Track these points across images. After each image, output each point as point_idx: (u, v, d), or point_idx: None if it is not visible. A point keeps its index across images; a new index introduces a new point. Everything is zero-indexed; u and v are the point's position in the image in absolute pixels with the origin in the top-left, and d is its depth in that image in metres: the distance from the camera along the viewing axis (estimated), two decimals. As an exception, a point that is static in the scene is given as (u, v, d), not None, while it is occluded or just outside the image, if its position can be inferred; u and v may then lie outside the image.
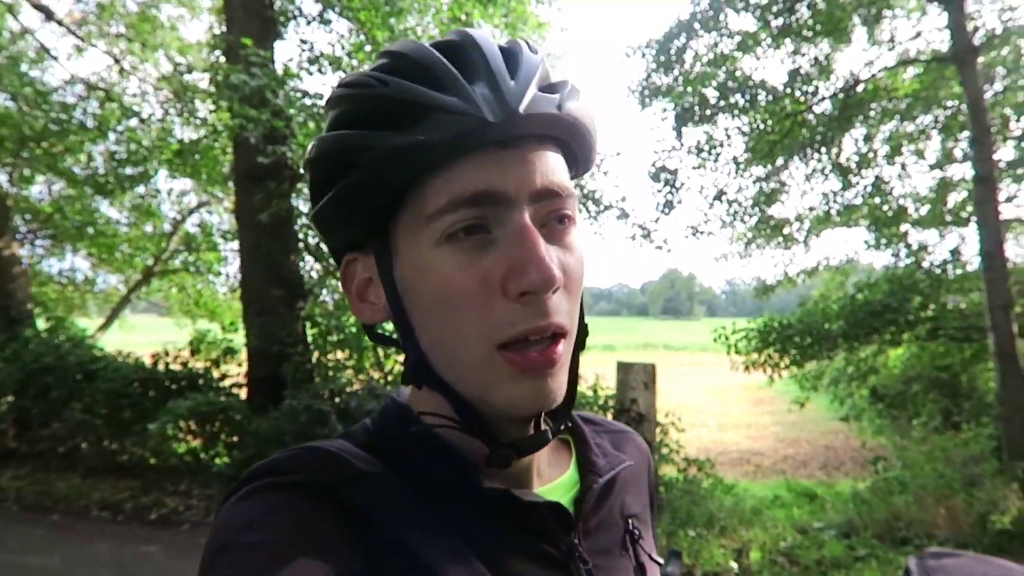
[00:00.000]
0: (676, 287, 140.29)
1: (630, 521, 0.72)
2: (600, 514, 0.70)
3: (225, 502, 0.57)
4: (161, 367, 7.95)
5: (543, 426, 0.66)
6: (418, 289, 0.60)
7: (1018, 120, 8.76)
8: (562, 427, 0.68)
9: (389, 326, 0.67)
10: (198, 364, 8.12)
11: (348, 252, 0.66)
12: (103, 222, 11.73)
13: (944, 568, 1.68)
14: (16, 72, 9.44)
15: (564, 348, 0.60)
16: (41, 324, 9.25)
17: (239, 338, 8.24)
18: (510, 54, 0.61)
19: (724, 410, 17.41)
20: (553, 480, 0.70)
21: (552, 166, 0.60)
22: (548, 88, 0.61)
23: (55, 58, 10.58)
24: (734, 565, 5.09)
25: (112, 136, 10.56)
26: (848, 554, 5.06)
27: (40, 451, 7.68)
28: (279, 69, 7.59)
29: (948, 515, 5.44)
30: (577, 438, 0.75)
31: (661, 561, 0.72)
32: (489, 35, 0.62)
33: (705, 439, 13.25)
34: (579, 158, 0.65)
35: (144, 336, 12.68)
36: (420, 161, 0.57)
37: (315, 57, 7.83)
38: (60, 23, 10.86)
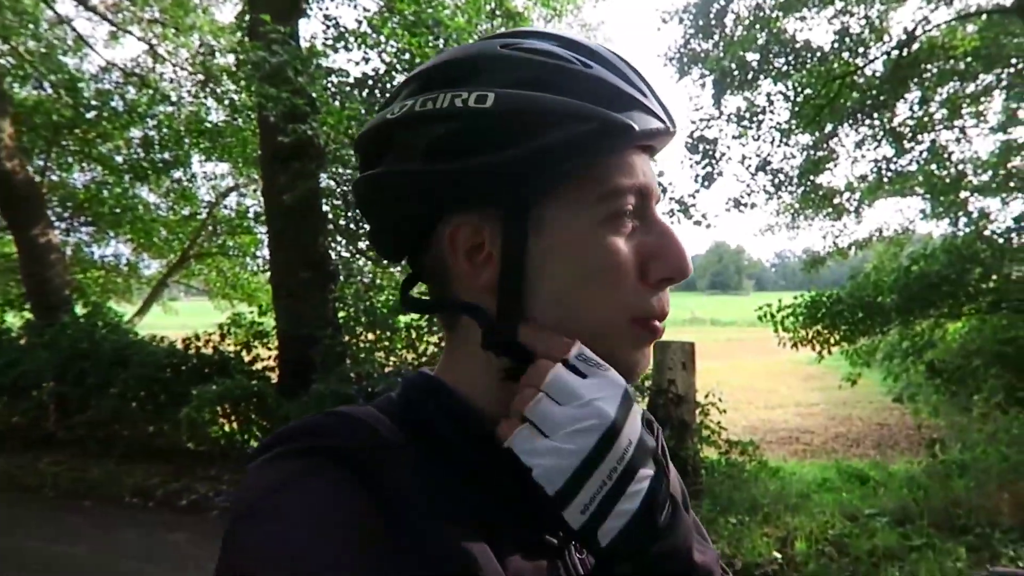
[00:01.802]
0: (723, 261, 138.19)
1: None
2: None
3: (251, 465, 0.57)
4: (192, 351, 7.92)
5: None
6: (565, 259, 0.61)
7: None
8: None
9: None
10: (229, 348, 8.08)
11: (452, 214, 0.63)
12: (141, 207, 11.80)
13: None
14: (53, 60, 9.49)
15: None
16: (79, 310, 9.33)
17: (271, 321, 8.18)
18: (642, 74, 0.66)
19: (772, 387, 16.94)
20: None
21: None
22: None
23: (91, 46, 10.61)
24: (778, 555, 4.81)
25: (148, 122, 10.60)
26: (902, 544, 4.72)
27: (79, 436, 7.74)
28: (303, 47, 7.44)
29: (1013, 501, 5.05)
30: None
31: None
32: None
33: (752, 417, 12.88)
34: None
35: (194, 319, 12.78)
36: (614, 142, 0.60)
37: (340, 34, 7.65)
38: (95, 11, 10.91)
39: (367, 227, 0.72)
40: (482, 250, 0.63)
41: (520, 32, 0.65)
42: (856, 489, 6.59)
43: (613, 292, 0.61)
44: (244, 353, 8.07)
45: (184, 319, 15.36)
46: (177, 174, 11.75)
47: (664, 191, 7.96)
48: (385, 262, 8.85)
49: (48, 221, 9.75)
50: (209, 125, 9.95)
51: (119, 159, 11.12)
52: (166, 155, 10.91)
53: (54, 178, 11.18)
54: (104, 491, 6.54)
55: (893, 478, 6.58)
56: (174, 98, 10.19)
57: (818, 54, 8.62)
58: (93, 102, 9.77)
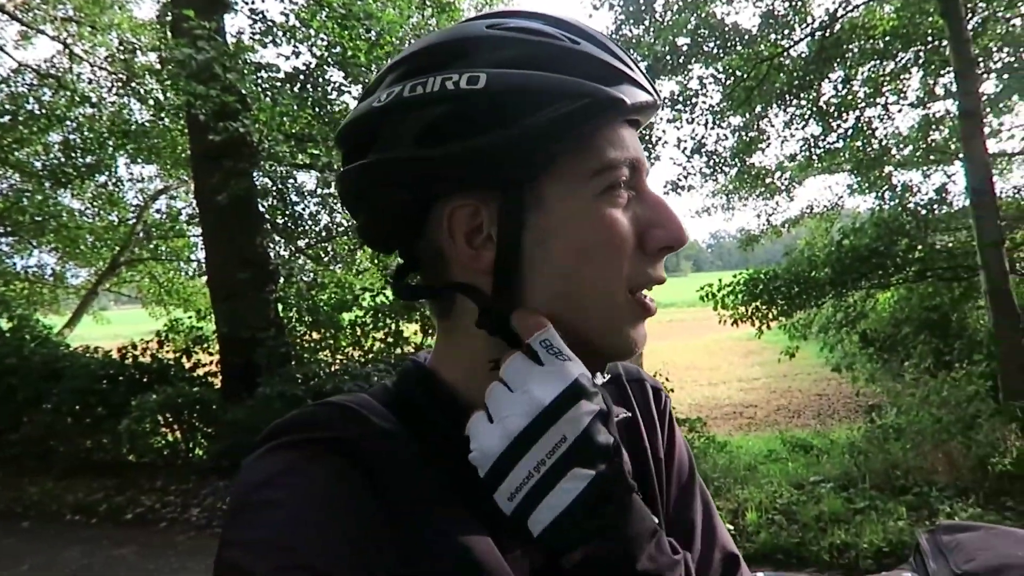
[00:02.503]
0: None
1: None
2: None
3: (246, 460, 0.57)
4: (129, 360, 7.65)
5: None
6: (565, 236, 0.60)
7: (1000, 51, 8.52)
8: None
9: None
10: (168, 355, 7.83)
11: (446, 198, 0.62)
12: (65, 214, 11.30)
13: (959, 544, 1.42)
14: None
15: None
16: (3, 324, 8.91)
17: (211, 325, 7.96)
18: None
19: (715, 364, 17.34)
20: None
21: None
22: None
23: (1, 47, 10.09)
24: (730, 527, 4.93)
25: (67, 125, 10.15)
26: (847, 507, 4.90)
27: (12, 455, 7.40)
28: (230, 42, 7.22)
29: (947, 460, 5.28)
30: None
31: (655, 520, 0.64)
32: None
33: (697, 395, 13.17)
34: None
35: (127, 328, 12.33)
36: (606, 116, 0.60)
37: (268, 28, 7.46)
38: (2, 9, 10.37)
39: (355, 221, 0.70)
40: (481, 232, 0.62)
41: (504, 12, 0.64)
42: (801, 458, 6.80)
43: (614, 264, 0.61)
44: (184, 360, 7.83)
45: (117, 328, 14.84)
46: (102, 178, 11.30)
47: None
48: (326, 260, 8.75)
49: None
50: (134, 126, 9.57)
51: (38, 165, 10.62)
52: (89, 159, 10.46)
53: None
54: (43, 510, 6.27)
55: (835, 445, 6.81)
56: (94, 99, 9.76)
57: (746, 37, 8.79)
58: (7, 105, 9.28)
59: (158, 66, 7.99)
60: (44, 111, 9.72)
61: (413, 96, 0.59)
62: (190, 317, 8.91)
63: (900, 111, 9.88)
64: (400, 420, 0.62)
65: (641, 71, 0.64)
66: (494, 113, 0.58)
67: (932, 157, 9.41)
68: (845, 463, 5.91)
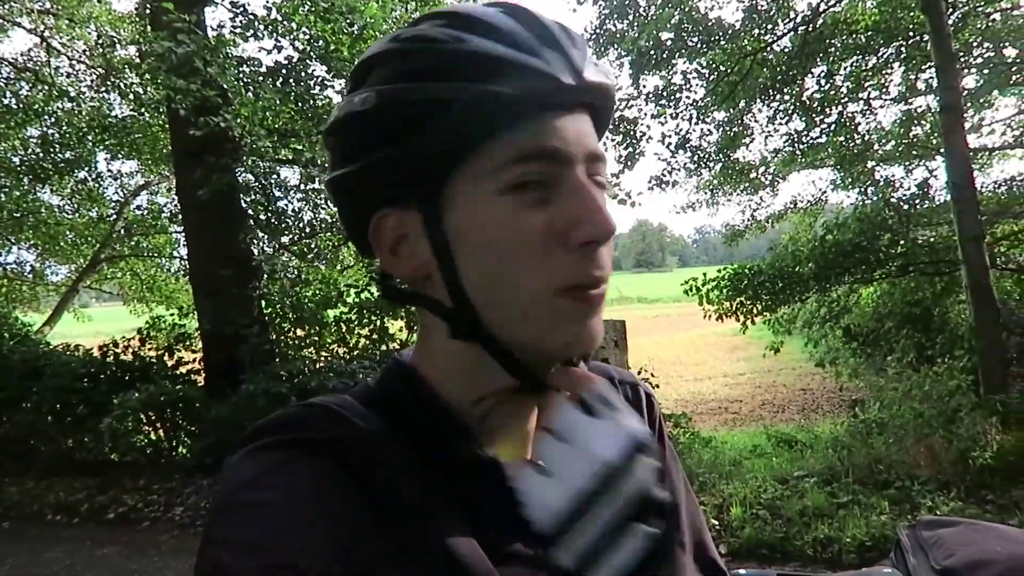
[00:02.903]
0: (647, 239, 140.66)
1: None
2: None
3: (229, 459, 0.57)
4: (111, 358, 7.57)
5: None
6: (476, 239, 0.60)
7: (980, 46, 8.58)
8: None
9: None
10: (150, 353, 7.76)
11: (379, 209, 0.64)
12: (44, 210, 11.15)
13: (939, 539, 1.42)
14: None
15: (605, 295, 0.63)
16: (-19, 322, 8.78)
17: (194, 322, 7.89)
18: (565, 27, 0.63)
19: (700, 359, 17.42)
20: None
21: (594, 132, 0.64)
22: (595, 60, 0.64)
23: (-27, 39, 9.91)
24: (715, 522, 4.95)
25: (46, 119, 10.01)
26: (830, 502, 4.93)
27: (-8, 456, 7.31)
28: (211, 36, 7.14)
29: (928, 454, 5.33)
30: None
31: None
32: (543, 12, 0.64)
33: (682, 390, 13.22)
34: (601, 127, 0.68)
35: (109, 326, 12.20)
36: (500, 113, 0.58)
37: (250, 21, 7.38)
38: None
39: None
40: (407, 240, 0.64)
41: (417, 19, 0.65)
42: (785, 453, 6.84)
43: (530, 264, 0.59)
44: (167, 357, 7.76)
45: (98, 326, 14.67)
46: (81, 174, 11.15)
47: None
48: (310, 256, 8.69)
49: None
50: (113, 121, 9.44)
51: (15, 160, 10.47)
52: (68, 154, 10.33)
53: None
54: (24, 510, 6.20)
55: (819, 440, 6.86)
56: (73, 93, 9.62)
57: (729, 32, 8.81)
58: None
59: (137, 60, 7.88)
60: (21, 105, 9.56)
61: (332, 120, 0.64)
62: (172, 314, 8.83)
63: (882, 106, 9.95)
64: (383, 420, 0.62)
65: (563, 51, 0.61)
66: (386, 130, 0.60)
67: (914, 152, 9.49)
68: (829, 458, 5.95)
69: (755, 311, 9.26)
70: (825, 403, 11.10)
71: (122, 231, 12.21)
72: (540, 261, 0.59)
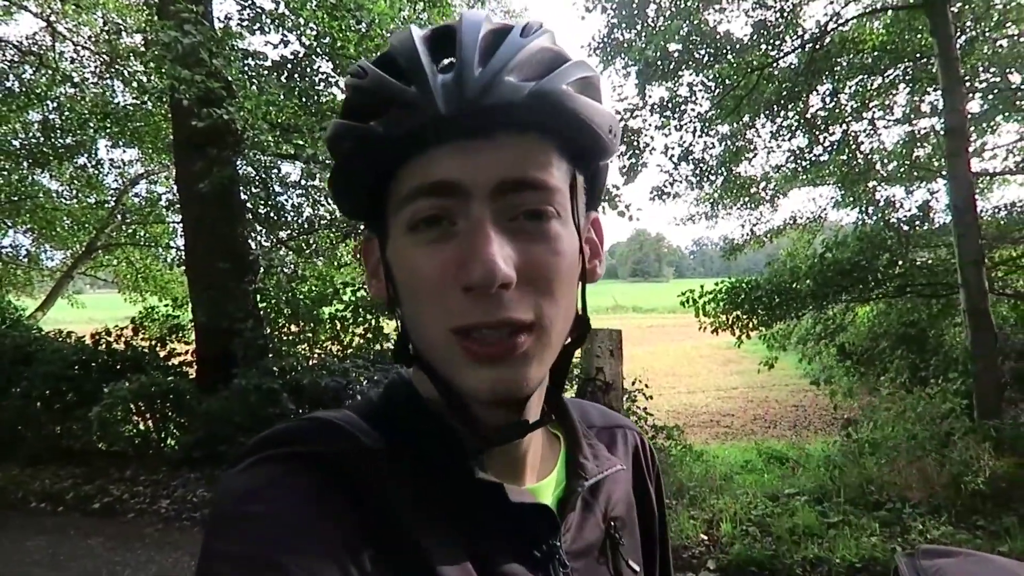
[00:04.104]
0: (644, 249, 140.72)
1: (612, 524, 0.72)
2: (583, 518, 0.70)
3: (229, 471, 0.57)
4: (103, 347, 7.52)
5: (527, 415, 0.65)
6: (398, 273, 0.61)
7: (986, 71, 8.60)
8: (545, 420, 0.67)
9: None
10: (143, 343, 7.71)
11: (366, 231, 0.67)
12: (42, 195, 11.09)
13: (939, 570, 1.39)
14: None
15: (531, 340, 0.58)
16: (-26, 305, 8.74)
17: (188, 314, 7.85)
18: (493, 38, 0.59)
19: (693, 371, 17.41)
20: (545, 476, 0.70)
21: (527, 158, 0.58)
22: (536, 72, 0.58)
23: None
24: (704, 537, 4.93)
25: (48, 104, 9.97)
26: (821, 521, 4.92)
27: (-22, 440, 7.24)
28: (218, 28, 7.12)
29: (921, 477, 5.31)
30: (569, 437, 0.74)
31: (637, 568, 0.72)
32: (485, 18, 0.61)
33: (675, 402, 13.19)
34: (584, 147, 0.63)
35: (102, 313, 12.14)
36: (386, 152, 0.58)
37: (257, 15, 7.36)
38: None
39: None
40: (380, 264, 0.66)
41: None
42: (776, 470, 6.83)
43: (428, 301, 0.58)
44: (159, 348, 7.71)
45: (92, 313, 14.61)
46: (81, 160, 11.10)
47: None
48: (307, 252, 8.65)
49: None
50: (116, 108, 9.40)
51: (16, 143, 10.41)
52: (69, 140, 10.28)
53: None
54: (8, 497, 6.15)
55: (810, 458, 6.85)
56: (77, 79, 9.58)
57: (737, 46, 8.81)
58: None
59: (143, 48, 7.85)
60: (24, 89, 9.52)
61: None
62: (167, 305, 8.79)
63: (886, 126, 9.96)
64: (386, 437, 0.61)
65: (443, 74, 0.56)
66: (337, 161, 0.63)
67: (916, 173, 9.49)
68: (820, 476, 5.94)
69: (751, 325, 9.25)
70: (817, 420, 11.09)
71: (119, 219, 12.15)
72: (437, 301, 0.58)
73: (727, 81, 8.79)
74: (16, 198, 10.76)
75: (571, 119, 0.59)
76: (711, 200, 11.10)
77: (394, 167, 0.59)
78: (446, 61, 0.58)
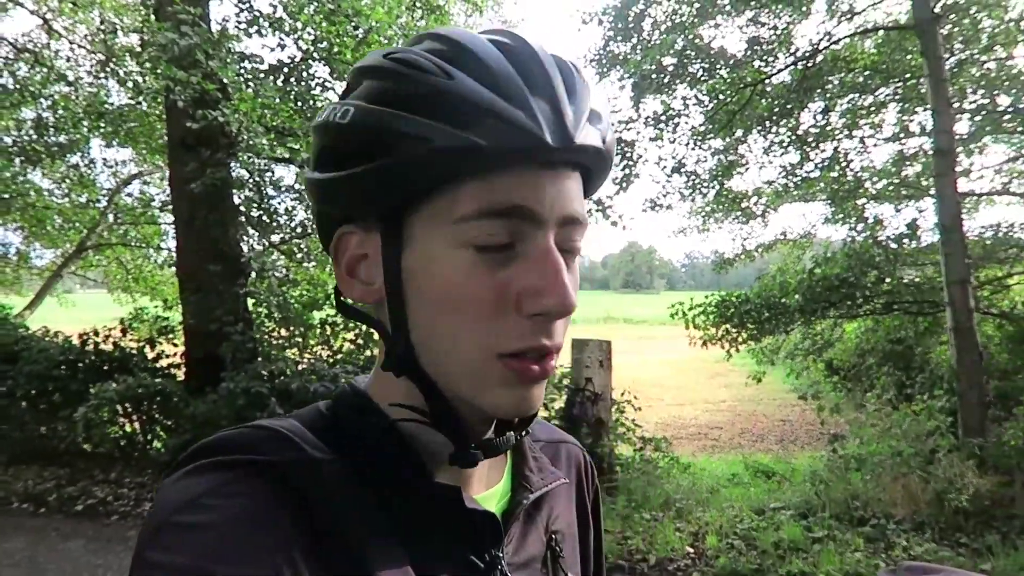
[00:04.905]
0: (636, 261, 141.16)
1: (553, 537, 0.73)
2: (526, 529, 0.71)
3: (167, 479, 0.56)
4: (91, 347, 7.48)
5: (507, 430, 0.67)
6: (425, 283, 0.59)
7: (975, 92, 8.70)
8: (523, 433, 0.69)
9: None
10: (131, 344, 7.67)
11: (344, 224, 0.63)
12: (33, 193, 11.04)
13: None
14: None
15: (555, 363, 0.61)
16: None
17: (177, 316, 7.82)
18: (566, 74, 0.60)
19: (682, 383, 17.43)
20: (490, 487, 0.71)
21: (578, 194, 0.61)
22: (594, 117, 0.61)
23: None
24: (690, 549, 4.94)
25: (42, 102, 9.93)
26: (806, 536, 4.94)
27: (-39, 438, 7.18)
28: (215, 30, 7.13)
29: (905, 493, 5.35)
30: (516, 450, 0.75)
31: None
32: (543, 45, 0.61)
33: (663, 413, 13.20)
34: (591, 188, 0.66)
35: (92, 313, 12.07)
36: (470, 163, 0.56)
37: (254, 18, 7.38)
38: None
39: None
40: (365, 261, 0.63)
41: (421, 36, 0.63)
42: (762, 483, 6.86)
43: (475, 324, 0.58)
44: (147, 349, 7.67)
45: (81, 312, 14.53)
46: (74, 159, 11.06)
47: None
48: (299, 256, 8.65)
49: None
50: (110, 107, 9.38)
51: (8, 141, 10.37)
52: (62, 138, 10.25)
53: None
54: (-11, 497, 6.10)
55: (796, 472, 6.88)
56: (71, 77, 9.55)
57: (731, 61, 8.89)
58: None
59: (139, 48, 7.85)
60: (18, 86, 9.48)
61: (315, 123, 0.63)
62: (156, 306, 8.75)
63: (876, 145, 10.06)
64: (332, 446, 0.60)
65: (553, 106, 0.57)
66: (356, 147, 0.59)
67: (904, 192, 9.58)
68: (806, 491, 5.97)
69: (740, 339, 9.29)
70: (804, 435, 11.13)
71: (111, 219, 12.10)
72: (488, 324, 0.58)
73: (720, 96, 8.87)
74: (7, 195, 10.68)
75: (608, 167, 0.65)
76: (703, 213, 11.16)
77: (457, 180, 0.57)
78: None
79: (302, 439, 0.59)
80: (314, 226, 8.55)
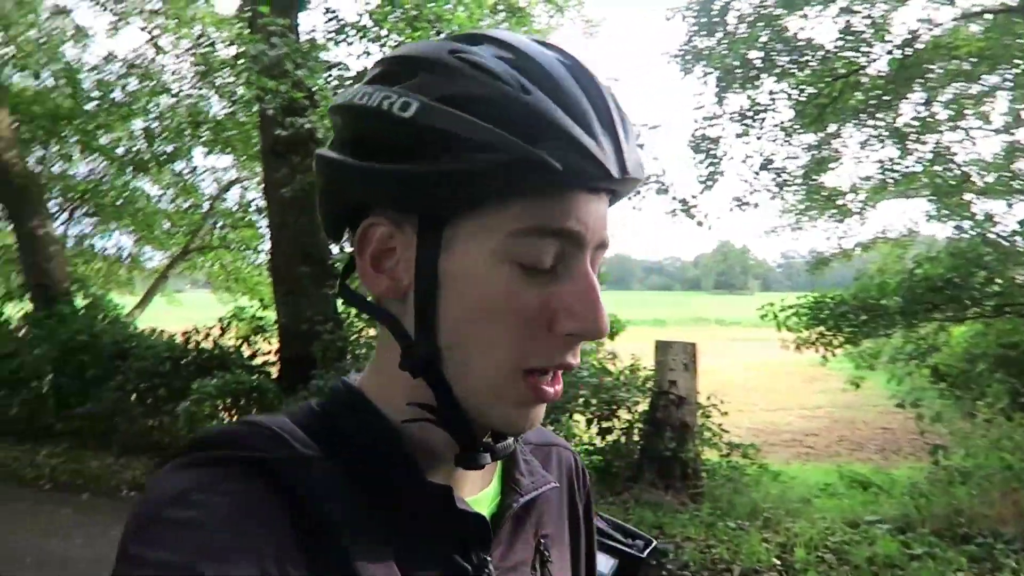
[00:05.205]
0: (729, 260, 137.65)
1: (542, 541, 0.73)
2: (515, 533, 0.71)
3: (155, 473, 0.55)
4: (192, 345, 7.90)
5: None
6: (465, 290, 0.59)
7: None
8: (518, 437, 0.70)
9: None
10: (229, 342, 8.06)
11: (373, 213, 0.61)
12: (143, 199, 11.78)
13: None
14: (52, 51, 9.44)
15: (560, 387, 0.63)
16: (80, 302, 9.32)
17: (273, 315, 8.16)
18: (615, 100, 0.61)
19: (776, 388, 16.89)
20: (481, 490, 0.71)
21: (608, 219, 0.63)
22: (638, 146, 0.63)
23: (89, 36, 10.57)
24: (777, 562, 4.76)
25: (149, 113, 10.57)
26: (903, 552, 4.67)
27: (77, 429, 7.73)
28: (304, 39, 7.39)
29: (1015, 511, 4.99)
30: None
31: None
32: (595, 74, 0.61)
33: (755, 419, 12.81)
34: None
35: (198, 312, 12.74)
36: (534, 180, 0.56)
37: (341, 27, 7.60)
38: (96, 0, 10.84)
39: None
40: (393, 256, 0.62)
41: (478, 37, 0.62)
42: (858, 495, 6.55)
43: (509, 337, 0.58)
44: (244, 347, 8.03)
45: (188, 311, 15.36)
46: (179, 166, 11.73)
47: (665, 190, 7.87)
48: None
49: (47, 212, 9.73)
50: (209, 117, 9.90)
51: (120, 150, 11.09)
52: (168, 147, 10.87)
53: (55, 169, 11.15)
54: (102, 484, 6.52)
55: (895, 484, 6.53)
56: (175, 90, 10.13)
57: (821, 52, 8.51)
58: (93, 93, 9.73)
59: (234, 60, 8.24)
60: (128, 99, 10.12)
61: (355, 104, 0.60)
62: (254, 306, 9.16)
63: (984, 136, 9.42)
64: (323, 444, 0.60)
65: (614, 137, 0.58)
66: (415, 145, 0.57)
67: (1016, 186, 8.94)
68: (905, 504, 5.64)
69: (836, 342, 8.90)
70: (907, 445, 10.56)
71: (212, 223, 12.76)
72: (520, 338, 0.58)
73: (810, 89, 8.49)
74: (120, 202, 11.43)
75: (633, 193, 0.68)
76: (796, 211, 10.76)
77: (516, 194, 0.57)
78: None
79: (292, 436, 0.59)
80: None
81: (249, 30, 7.32)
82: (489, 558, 0.65)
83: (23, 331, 8.98)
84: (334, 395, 0.68)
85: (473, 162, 0.55)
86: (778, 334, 9.26)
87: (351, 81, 7.57)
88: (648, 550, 0.87)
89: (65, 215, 11.76)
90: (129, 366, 7.68)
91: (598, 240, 0.60)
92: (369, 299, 0.66)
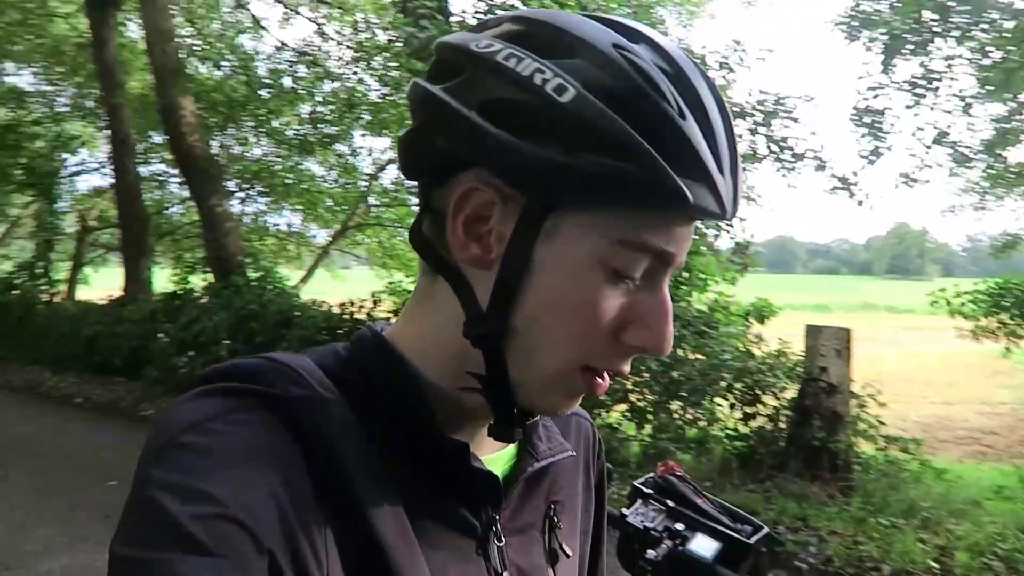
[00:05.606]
0: (905, 243, 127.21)
1: (552, 507, 0.74)
2: (526, 496, 0.71)
3: (175, 399, 0.57)
4: (347, 316, 8.41)
5: None
6: (557, 281, 0.58)
7: None
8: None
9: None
10: (381, 314, 8.50)
11: (476, 178, 0.59)
12: (309, 179, 12.62)
13: None
14: (230, 41, 10.26)
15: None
16: (252, 274, 10.15)
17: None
18: (736, 145, 0.61)
19: (953, 381, 15.53)
20: (497, 451, 0.71)
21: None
22: None
23: (263, 27, 11.39)
24: (934, 564, 4.41)
25: (315, 98, 11.28)
26: (1086, 566, 4.18)
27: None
28: (454, 21, 7.56)
29: None
30: None
31: (571, 553, 0.74)
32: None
33: (924, 412, 11.88)
34: None
35: (360, 287, 13.48)
36: (660, 203, 0.56)
37: (490, 7, 7.69)
38: (269, -7, 11.67)
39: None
40: (485, 225, 0.60)
41: (636, 34, 0.60)
42: (1038, 500, 5.92)
43: (579, 336, 0.59)
44: (393, 319, 8.45)
45: (350, 286, 16.35)
46: (341, 148, 12.44)
47: (823, 167, 7.35)
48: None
49: (226, 192, 10.65)
50: (367, 99, 10.41)
51: (290, 134, 11.93)
52: (331, 130, 11.55)
53: (234, 152, 12.18)
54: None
55: (1084, 491, 5.84)
56: (338, 75, 10.75)
57: (1011, 8, 7.57)
58: (266, 80, 10.51)
59: (388, 44, 8.58)
60: (296, 86, 10.84)
61: (501, 64, 0.56)
62: (406, 281, 9.59)
63: None
64: (343, 387, 0.60)
65: (734, 176, 0.59)
66: (560, 130, 0.55)
67: None
68: (1093, 514, 5.04)
69: (1021, 332, 8.06)
70: (1107, 450, 9.41)
71: (369, 201, 13.47)
72: (591, 339, 0.59)
73: (996, 53, 7.57)
74: (289, 182, 12.31)
75: None
76: (979, 190, 9.77)
77: (637, 207, 0.57)
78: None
79: (311, 376, 0.59)
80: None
81: (402, 14, 7.58)
82: (498, 516, 0.66)
83: (205, 300, 9.93)
84: (361, 341, 0.67)
85: (613, 169, 0.54)
86: (954, 323, 8.52)
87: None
88: (756, 536, 0.83)
89: (242, 195, 12.83)
90: (292, 334, 8.29)
91: (680, 263, 0.62)
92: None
